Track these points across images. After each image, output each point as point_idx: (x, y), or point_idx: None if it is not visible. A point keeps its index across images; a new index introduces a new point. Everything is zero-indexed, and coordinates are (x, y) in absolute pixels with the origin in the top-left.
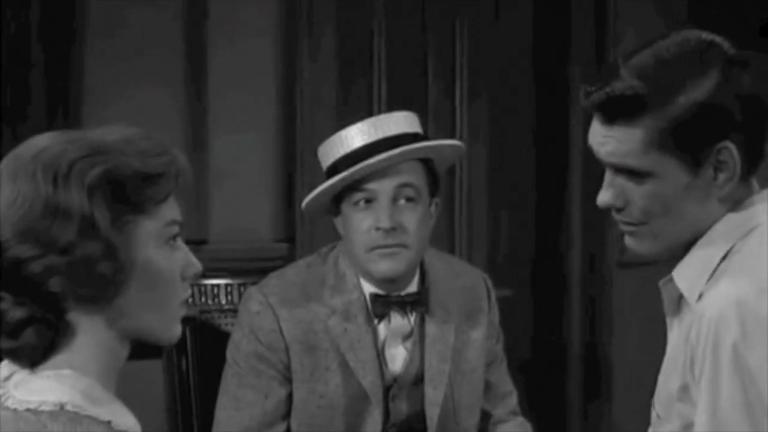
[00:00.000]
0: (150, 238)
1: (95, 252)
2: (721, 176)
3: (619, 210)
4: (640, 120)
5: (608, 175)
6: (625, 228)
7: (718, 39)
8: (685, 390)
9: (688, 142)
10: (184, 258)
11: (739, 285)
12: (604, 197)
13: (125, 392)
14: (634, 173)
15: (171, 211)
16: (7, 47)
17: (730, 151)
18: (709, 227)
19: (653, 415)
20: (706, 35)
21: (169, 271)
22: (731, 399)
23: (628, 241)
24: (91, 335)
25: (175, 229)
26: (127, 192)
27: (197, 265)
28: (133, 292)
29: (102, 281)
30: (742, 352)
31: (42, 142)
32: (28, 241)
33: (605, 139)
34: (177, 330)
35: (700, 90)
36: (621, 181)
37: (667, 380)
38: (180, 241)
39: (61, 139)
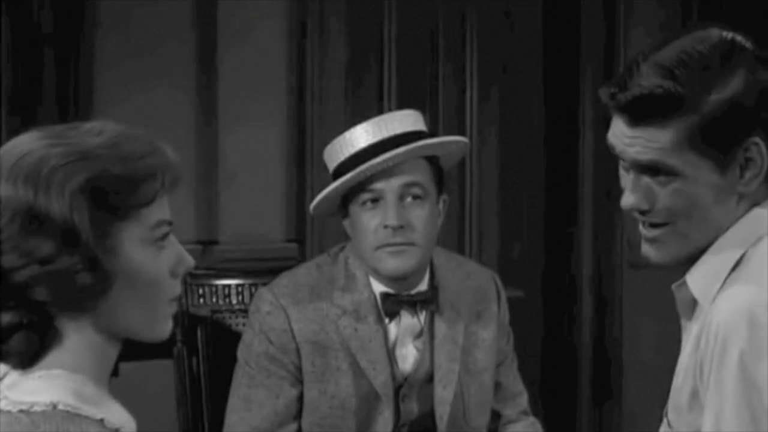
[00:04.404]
0: (135, 243)
1: (76, 263)
2: (748, 174)
3: (644, 212)
4: (671, 119)
5: (632, 178)
6: (650, 233)
7: (739, 37)
8: (694, 397)
9: (719, 139)
10: (173, 255)
11: (750, 294)
12: (629, 200)
13: (136, 392)
14: (660, 173)
15: (158, 212)
16: (17, 46)
17: (759, 146)
18: (727, 230)
19: (664, 423)
20: (726, 33)
21: (155, 272)
22: (736, 407)
23: (648, 249)
24: (79, 337)
25: (163, 229)
26: (109, 199)
27: (188, 261)
28: (119, 295)
29: (84, 291)
30: (748, 362)
31: (25, 145)
32: (11, 251)
33: (632, 140)
34: (166, 328)
35: (729, 88)
36: (646, 182)
37: (679, 391)
38: (170, 238)
39: (44, 143)
